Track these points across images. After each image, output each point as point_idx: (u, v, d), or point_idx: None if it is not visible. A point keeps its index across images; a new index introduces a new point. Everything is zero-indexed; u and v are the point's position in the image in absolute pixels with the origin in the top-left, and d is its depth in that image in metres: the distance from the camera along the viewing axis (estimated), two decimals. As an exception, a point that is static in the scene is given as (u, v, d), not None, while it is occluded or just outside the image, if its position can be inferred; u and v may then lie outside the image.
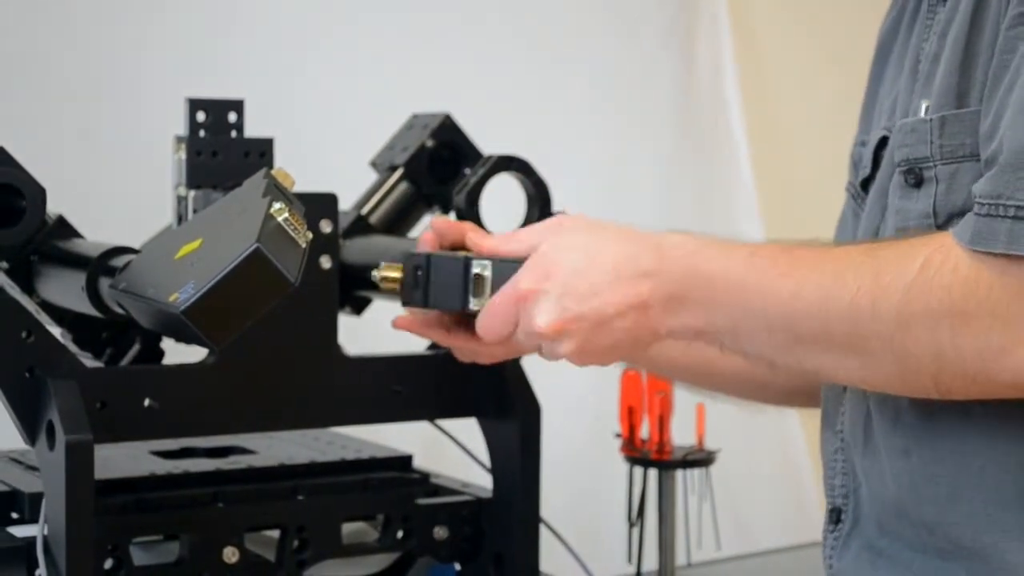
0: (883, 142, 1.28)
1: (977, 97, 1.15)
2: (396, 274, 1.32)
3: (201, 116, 1.40)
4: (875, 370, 1.12)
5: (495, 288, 1.25)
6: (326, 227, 1.37)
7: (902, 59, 1.29)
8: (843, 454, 1.29)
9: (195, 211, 1.39)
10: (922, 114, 1.19)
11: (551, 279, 1.20)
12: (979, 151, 1.13)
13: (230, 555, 1.34)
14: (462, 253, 1.29)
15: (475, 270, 1.26)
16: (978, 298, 1.05)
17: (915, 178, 1.19)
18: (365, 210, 1.54)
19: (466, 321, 1.32)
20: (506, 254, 1.26)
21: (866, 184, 1.31)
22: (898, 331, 1.08)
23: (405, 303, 1.34)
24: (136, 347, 1.43)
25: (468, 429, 1.51)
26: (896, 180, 1.22)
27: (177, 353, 1.36)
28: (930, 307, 1.06)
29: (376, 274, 1.33)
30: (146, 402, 1.31)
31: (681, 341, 1.30)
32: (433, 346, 1.47)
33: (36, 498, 1.31)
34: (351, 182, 1.58)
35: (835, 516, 1.31)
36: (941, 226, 1.16)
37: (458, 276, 1.26)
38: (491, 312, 1.24)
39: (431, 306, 1.31)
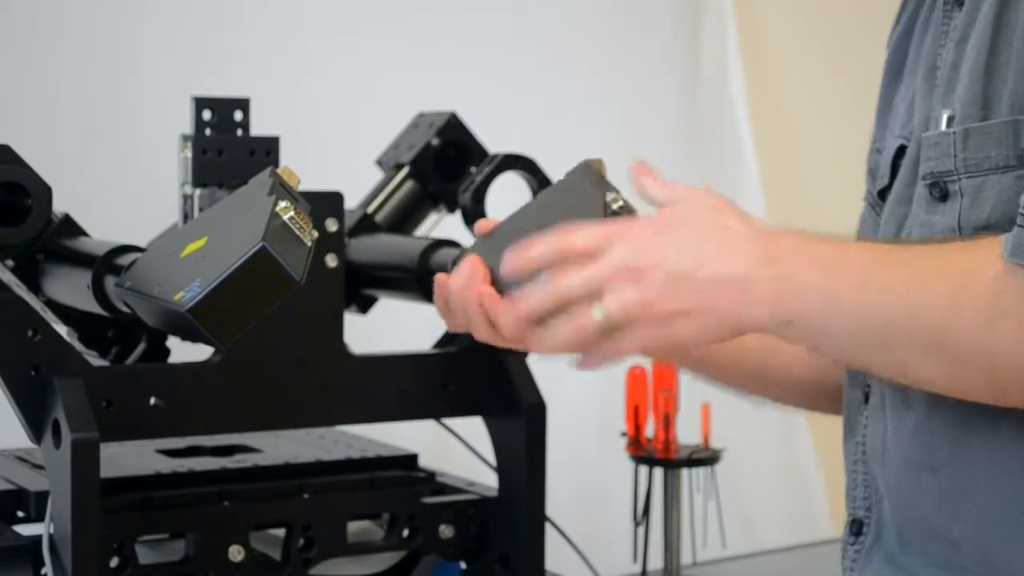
0: (901, 151, 1.26)
1: (1006, 106, 1.12)
2: None
3: (207, 114, 1.41)
4: (963, 372, 1.08)
5: None
6: (332, 225, 1.37)
7: (916, 65, 1.27)
8: (863, 465, 1.26)
9: (201, 209, 1.39)
10: (943, 125, 1.17)
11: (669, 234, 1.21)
12: (1006, 163, 1.11)
13: (236, 553, 1.34)
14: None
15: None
16: None
17: (940, 192, 1.16)
18: (371, 208, 1.55)
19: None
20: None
21: (883, 193, 1.29)
22: (988, 325, 1.04)
23: None
24: (142, 346, 1.43)
25: (474, 428, 1.51)
26: (921, 193, 1.19)
27: (183, 352, 1.36)
28: (1019, 297, 1.03)
29: None
30: (152, 401, 1.31)
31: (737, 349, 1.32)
32: (439, 344, 1.47)
33: (42, 497, 1.31)
34: (357, 181, 1.58)
35: (856, 528, 1.27)
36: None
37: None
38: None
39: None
